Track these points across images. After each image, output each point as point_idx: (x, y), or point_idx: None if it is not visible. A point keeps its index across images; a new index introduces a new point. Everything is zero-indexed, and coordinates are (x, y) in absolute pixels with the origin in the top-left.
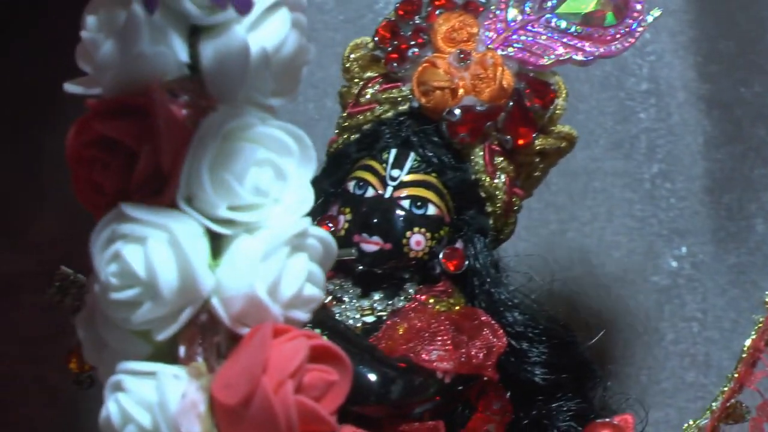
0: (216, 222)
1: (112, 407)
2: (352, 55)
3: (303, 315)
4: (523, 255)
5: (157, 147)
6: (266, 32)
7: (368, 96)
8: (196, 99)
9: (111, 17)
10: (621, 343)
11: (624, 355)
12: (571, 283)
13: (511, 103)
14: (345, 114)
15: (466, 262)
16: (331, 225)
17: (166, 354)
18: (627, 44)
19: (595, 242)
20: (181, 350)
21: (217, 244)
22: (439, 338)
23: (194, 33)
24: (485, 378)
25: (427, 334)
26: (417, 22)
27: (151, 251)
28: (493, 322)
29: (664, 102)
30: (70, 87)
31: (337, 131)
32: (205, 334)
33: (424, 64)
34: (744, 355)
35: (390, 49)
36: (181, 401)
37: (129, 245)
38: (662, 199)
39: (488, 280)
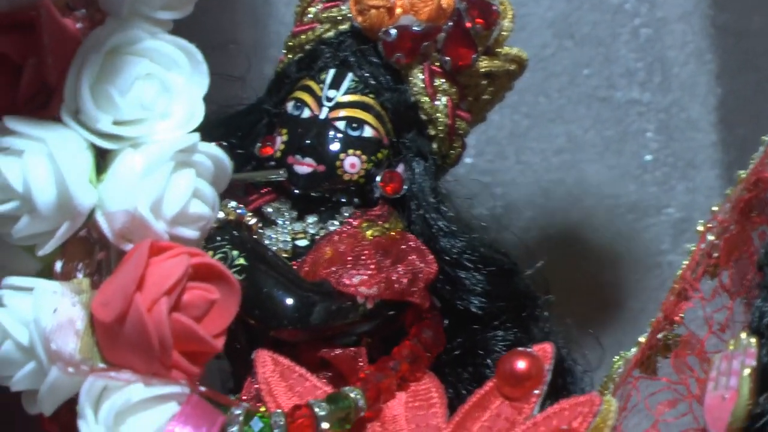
0: (100, 136)
1: None
2: None
3: (191, 232)
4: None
5: (43, 61)
6: None
7: (310, 15)
8: (92, 12)
9: None
10: (632, 275)
11: (635, 288)
12: (581, 215)
13: (450, 23)
14: (290, 34)
15: (405, 187)
16: (271, 146)
17: (51, 271)
18: None
19: (607, 172)
20: (58, 265)
21: (105, 159)
22: (362, 262)
23: None
24: (415, 305)
25: (350, 258)
26: None
27: (27, 165)
28: (423, 247)
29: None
30: None
31: (284, 51)
32: (87, 249)
33: None
34: (675, 286)
35: None
36: (53, 317)
37: (7, 158)
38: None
39: (425, 205)
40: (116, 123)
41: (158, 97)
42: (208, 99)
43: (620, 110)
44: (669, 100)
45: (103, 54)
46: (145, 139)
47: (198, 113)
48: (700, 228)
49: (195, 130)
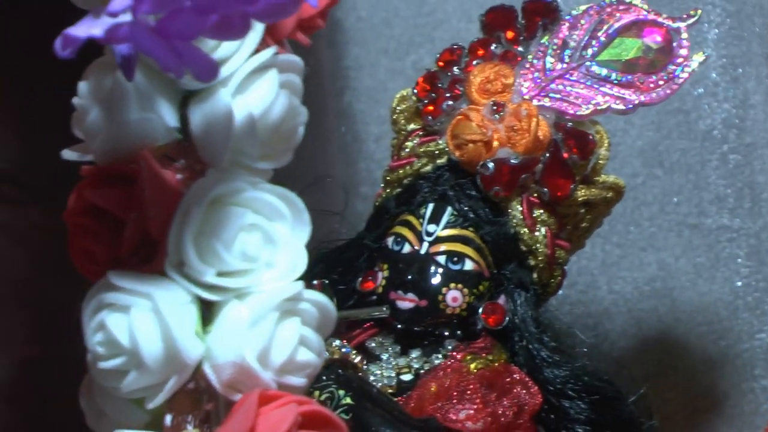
0: (205, 289)
1: None
2: (399, 107)
3: (298, 380)
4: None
5: (144, 214)
6: (253, 96)
7: (408, 149)
8: (191, 163)
9: (99, 83)
10: (726, 401)
11: (730, 415)
12: (674, 343)
13: (547, 155)
14: (387, 168)
15: (507, 318)
16: (372, 281)
17: (161, 423)
18: (669, 91)
19: (699, 299)
20: (167, 419)
21: (211, 310)
22: (468, 397)
23: (186, 98)
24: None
25: (456, 393)
26: (455, 73)
27: (134, 320)
28: (527, 379)
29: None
30: (67, 154)
31: (382, 185)
32: (196, 401)
33: (458, 117)
34: None
35: (426, 101)
36: None
37: (113, 314)
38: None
39: (527, 335)
40: (221, 274)
41: (262, 247)
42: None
43: (711, 237)
44: (759, 225)
45: (205, 205)
46: (251, 290)
47: (302, 262)
48: None
49: (299, 279)
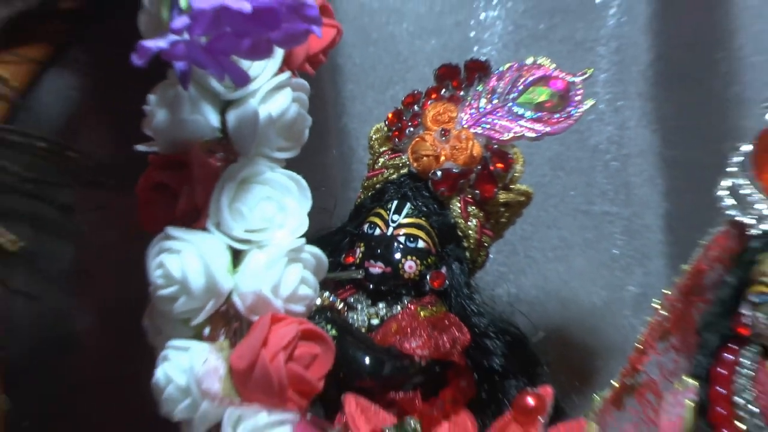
0: (235, 240)
1: (159, 373)
2: (374, 136)
3: (299, 308)
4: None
5: (193, 189)
6: (273, 106)
7: (380, 164)
8: (227, 153)
9: (163, 95)
10: (605, 335)
11: (607, 345)
12: (570, 294)
13: (479, 167)
14: (365, 177)
15: (446, 282)
16: (352, 256)
17: (201, 335)
18: (566, 125)
19: (587, 263)
20: (205, 331)
21: (238, 256)
22: (418, 333)
23: (226, 106)
24: (455, 363)
25: (409, 330)
26: (415, 109)
27: (184, 260)
28: (461, 323)
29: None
30: (140, 147)
31: (360, 190)
32: (227, 320)
33: (417, 139)
34: (638, 345)
35: (394, 129)
36: (203, 367)
37: (169, 256)
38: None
39: (461, 295)
40: (246, 231)
41: (276, 213)
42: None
43: (597, 219)
44: (630, 211)
45: (236, 183)
46: (267, 243)
47: (304, 224)
48: (655, 305)
49: (302, 236)
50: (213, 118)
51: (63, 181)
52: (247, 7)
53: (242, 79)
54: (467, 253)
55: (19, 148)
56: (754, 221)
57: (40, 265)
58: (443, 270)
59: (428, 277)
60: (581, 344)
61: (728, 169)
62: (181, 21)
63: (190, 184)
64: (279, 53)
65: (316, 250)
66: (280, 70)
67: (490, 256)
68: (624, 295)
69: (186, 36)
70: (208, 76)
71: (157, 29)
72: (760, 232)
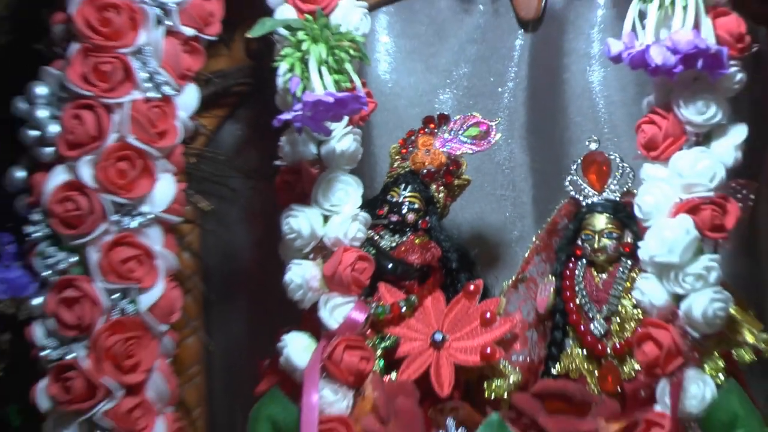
0: (324, 210)
1: (287, 277)
2: (392, 152)
3: (356, 243)
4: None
5: (305, 184)
6: (343, 143)
7: (395, 165)
8: (320, 167)
9: (289, 137)
10: (505, 255)
11: (505, 257)
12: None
13: (444, 167)
14: (387, 173)
15: (430, 224)
16: (381, 210)
17: (308, 257)
18: (488, 146)
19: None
20: (310, 255)
21: (326, 219)
22: (414, 251)
23: (320, 143)
24: (433, 265)
25: (410, 250)
26: (412, 139)
27: (298, 219)
28: (436, 245)
29: None
30: (276, 162)
31: (386, 178)
32: (321, 250)
33: (414, 154)
34: (525, 258)
35: (401, 147)
36: (308, 272)
37: (291, 218)
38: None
39: (436, 230)
40: (330, 205)
41: (345, 196)
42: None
43: (497, 199)
44: (515, 194)
45: (325, 181)
46: (340, 211)
47: (357, 202)
48: (534, 237)
49: (358, 207)
50: (313, 149)
51: (232, 175)
52: (331, 99)
53: (328, 133)
54: (438, 210)
55: (211, 160)
56: (582, 197)
57: (224, 218)
58: (427, 218)
59: (420, 222)
60: (493, 259)
61: (571, 172)
62: (297, 105)
63: (302, 182)
64: (346, 118)
65: (365, 214)
66: (348, 124)
67: (449, 212)
68: (512, 236)
69: (300, 111)
70: (311, 130)
71: (285, 106)
72: (585, 203)
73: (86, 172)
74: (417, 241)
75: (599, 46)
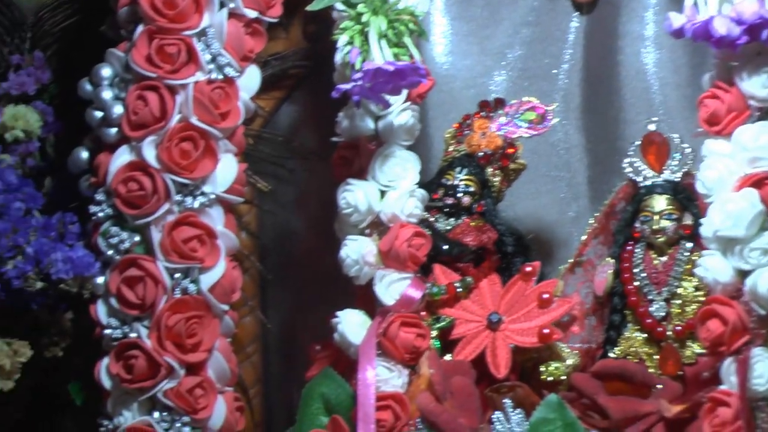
0: (381, 185)
1: (342, 252)
2: (447, 135)
3: (413, 219)
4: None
5: (361, 159)
6: (401, 117)
7: (450, 149)
8: (378, 142)
9: (347, 111)
10: (560, 235)
11: (564, 240)
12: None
13: (500, 151)
14: (443, 157)
15: (485, 207)
16: (436, 194)
17: (363, 233)
18: (545, 130)
19: (541, 204)
20: (366, 231)
21: (383, 194)
22: (470, 233)
23: (377, 118)
24: (488, 248)
25: (466, 232)
26: (468, 122)
27: (356, 195)
28: (492, 228)
29: None
30: (334, 139)
31: (441, 161)
32: (377, 226)
33: (469, 136)
34: (581, 240)
35: (457, 131)
36: (364, 248)
37: (347, 193)
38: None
39: (492, 214)
40: (388, 180)
41: (402, 172)
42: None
43: (551, 180)
44: (570, 175)
45: (382, 155)
46: (397, 187)
47: (415, 178)
48: (590, 219)
49: (414, 184)
50: (371, 124)
51: (288, 156)
52: (390, 68)
53: (387, 105)
54: (493, 193)
55: (268, 141)
56: (641, 179)
57: (280, 199)
58: (483, 202)
59: (475, 206)
60: (548, 240)
61: (629, 153)
62: (357, 75)
63: (360, 157)
64: (405, 92)
65: (422, 190)
66: (406, 100)
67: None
68: (567, 217)
69: (359, 82)
70: (369, 102)
71: (343, 80)
72: (644, 185)
73: (150, 153)
74: (473, 223)
75: (654, 28)
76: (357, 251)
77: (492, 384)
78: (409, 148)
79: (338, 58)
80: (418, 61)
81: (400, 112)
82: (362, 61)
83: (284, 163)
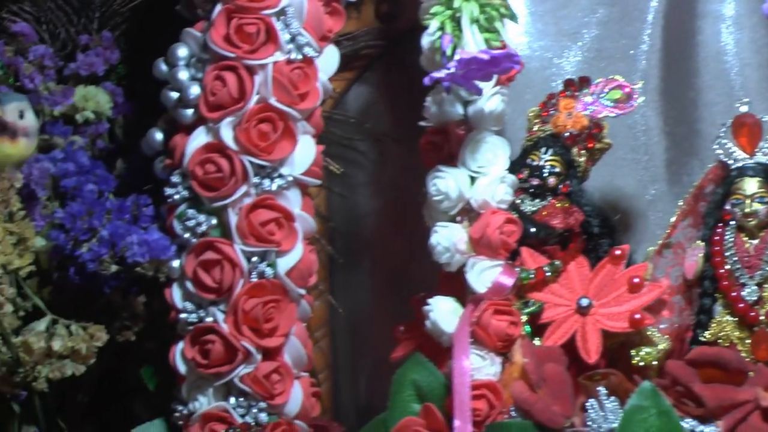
0: (472, 172)
1: (433, 240)
2: (530, 115)
3: (504, 205)
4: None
5: (452, 144)
6: (491, 103)
7: (534, 128)
8: (466, 128)
9: (435, 97)
10: (647, 218)
11: (648, 223)
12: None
13: (587, 130)
14: (527, 136)
15: (571, 188)
16: (521, 174)
17: (454, 220)
18: (631, 109)
19: (635, 180)
20: (457, 218)
21: (473, 180)
22: (557, 215)
23: (467, 104)
24: (574, 230)
25: (552, 213)
26: (552, 102)
27: (447, 182)
28: (578, 209)
29: None
30: (422, 123)
31: (525, 141)
32: (468, 212)
33: (555, 116)
34: (671, 223)
35: (542, 110)
36: (457, 236)
37: (437, 179)
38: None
39: (577, 194)
40: (478, 167)
41: (492, 157)
42: None
43: (632, 163)
44: (647, 158)
45: (472, 142)
46: (487, 173)
47: (505, 164)
48: (680, 202)
49: (505, 169)
50: (460, 109)
51: (360, 138)
52: (486, 57)
53: (479, 92)
54: (579, 174)
55: (340, 123)
56: (732, 161)
57: (355, 181)
58: (568, 182)
59: (560, 186)
60: (626, 224)
61: (719, 135)
62: (450, 63)
63: (449, 142)
64: (495, 77)
65: (512, 176)
66: (495, 85)
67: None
68: (644, 200)
69: (453, 70)
70: (459, 88)
71: (432, 65)
72: (735, 167)
73: (228, 134)
74: (558, 205)
75: (735, 7)
76: (448, 238)
77: (581, 369)
78: (500, 129)
79: (426, 42)
80: (510, 47)
81: (490, 97)
82: (454, 48)
83: (355, 146)
